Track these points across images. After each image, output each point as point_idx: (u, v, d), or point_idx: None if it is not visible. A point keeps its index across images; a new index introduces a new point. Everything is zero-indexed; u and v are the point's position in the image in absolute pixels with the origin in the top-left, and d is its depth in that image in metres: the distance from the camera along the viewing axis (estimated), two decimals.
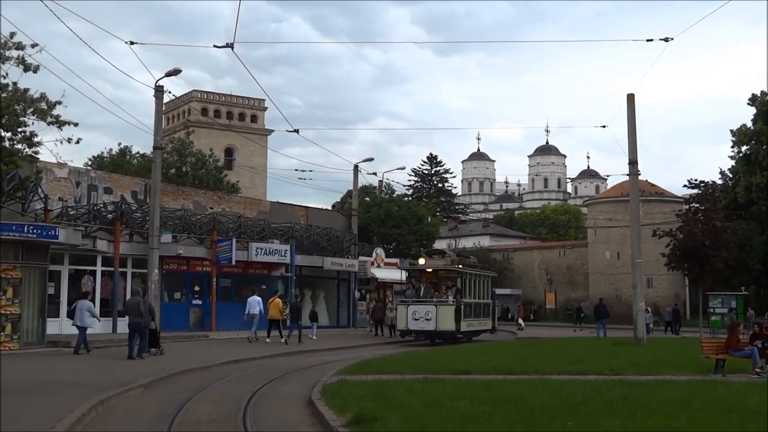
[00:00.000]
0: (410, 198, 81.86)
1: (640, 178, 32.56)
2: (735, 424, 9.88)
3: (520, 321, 47.69)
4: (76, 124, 24.87)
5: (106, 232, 29.42)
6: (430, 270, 31.96)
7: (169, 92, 31.12)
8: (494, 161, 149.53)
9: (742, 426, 9.76)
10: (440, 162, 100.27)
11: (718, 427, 9.72)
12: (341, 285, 41.06)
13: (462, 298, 30.50)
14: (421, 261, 32.86)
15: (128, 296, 27.75)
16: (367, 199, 57.06)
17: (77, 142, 25.04)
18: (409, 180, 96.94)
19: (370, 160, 46.59)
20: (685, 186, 57.81)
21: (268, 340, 27.58)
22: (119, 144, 59.94)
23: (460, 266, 32.10)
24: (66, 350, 22.25)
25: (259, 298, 28.82)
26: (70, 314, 22.34)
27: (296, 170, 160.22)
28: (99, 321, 22.59)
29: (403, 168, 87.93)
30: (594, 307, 41.21)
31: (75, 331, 26.14)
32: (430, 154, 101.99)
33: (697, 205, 39.69)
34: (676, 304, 43.63)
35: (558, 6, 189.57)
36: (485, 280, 35.10)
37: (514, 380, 15.29)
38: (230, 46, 23.32)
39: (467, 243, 76.10)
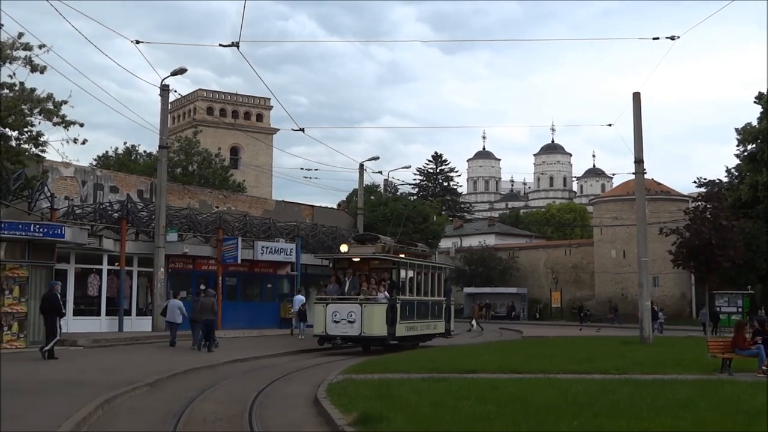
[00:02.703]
0: (416, 197, 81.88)
1: (646, 176, 32.49)
2: (742, 425, 9.84)
3: (473, 322, 46.59)
4: (81, 125, 24.98)
5: (112, 230, 29.50)
6: (357, 260, 25.31)
7: (175, 91, 31.35)
8: (500, 160, 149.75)
9: (749, 427, 9.72)
10: (446, 161, 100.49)
11: (725, 428, 9.68)
12: None
13: (399, 295, 24.64)
14: (344, 248, 25.89)
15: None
16: (373, 198, 57.09)
17: (83, 142, 25.24)
18: (415, 179, 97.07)
19: (376, 158, 46.72)
20: (694, 182, 57.69)
21: None
22: (125, 143, 60.19)
23: (402, 255, 26.10)
24: (73, 348, 22.35)
25: (303, 297, 31.15)
26: (163, 312, 25.15)
27: (302, 169, 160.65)
28: (185, 318, 24.60)
29: (409, 167, 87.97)
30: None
31: (80, 329, 26.43)
32: (436, 152, 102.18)
33: (704, 203, 39.64)
34: (712, 308, 43.30)
35: (565, 5, 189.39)
36: (436, 273, 28.65)
37: (520, 380, 15.27)
38: (236, 45, 23.35)
39: (472, 242, 76.14)
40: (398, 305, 24.29)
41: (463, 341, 31.67)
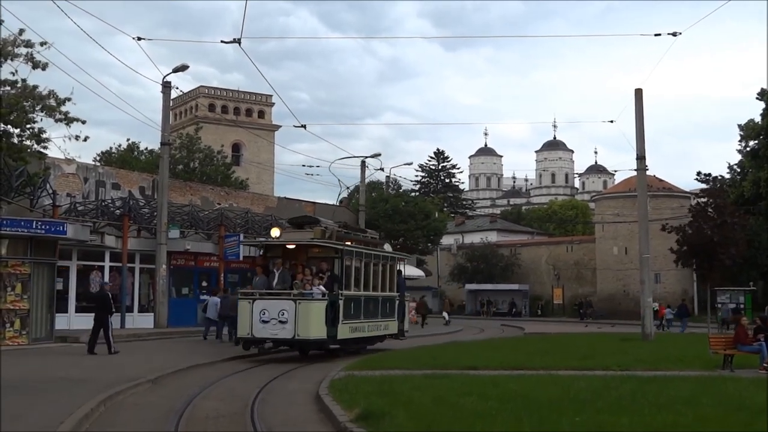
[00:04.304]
0: (417, 193, 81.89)
1: (647, 173, 32.47)
2: (743, 422, 9.84)
3: (445, 315, 46.48)
4: (83, 122, 24.96)
5: (114, 227, 29.52)
6: (292, 247, 21.21)
7: (177, 88, 31.29)
8: (501, 156, 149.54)
9: (750, 424, 9.72)
10: (447, 157, 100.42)
11: (726, 425, 9.67)
12: None
13: (341, 290, 20.47)
14: (275, 232, 21.49)
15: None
16: (374, 195, 57.14)
17: (85, 139, 25.17)
18: (417, 175, 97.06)
19: (378, 155, 46.76)
20: (696, 179, 57.64)
21: None
22: (127, 140, 60.41)
23: (348, 243, 21.66)
24: (75, 345, 22.39)
25: None
26: (205, 309, 26.43)
27: (303, 166, 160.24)
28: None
29: (411, 163, 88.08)
30: (678, 307, 42.07)
31: (81, 326, 26.47)
32: (438, 149, 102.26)
33: (707, 199, 39.56)
34: (737, 304, 43.43)
35: (567, 2, 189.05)
36: (388, 264, 24.17)
37: (522, 376, 15.27)
38: (237, 41, 23.30)
39: (474, 238, 76.15)
40: (341, 302, 20.36)
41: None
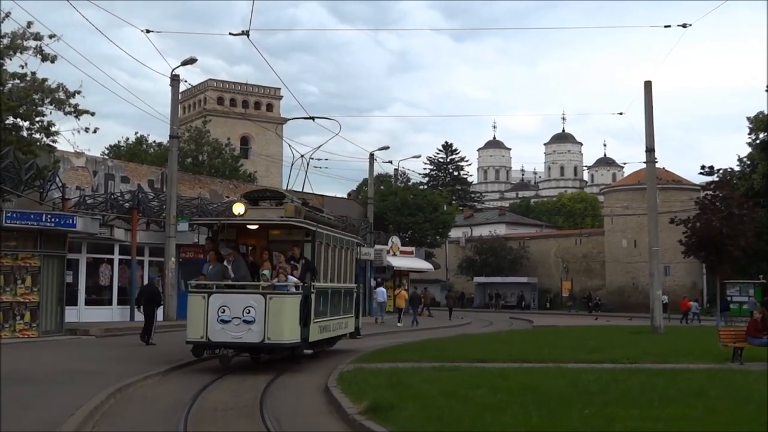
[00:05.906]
0: (426, 186, 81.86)
1: (657, 166, 32.38)
2: (752, 414, 9.83)
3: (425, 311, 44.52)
4: (93, 114, 25.00)
5: (123, 220, 29.60)
6: (255, 227, 17.13)
7: (185, 81, 31.29)
8: (510, 149, 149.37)
9: (760, 416, 9.70)
10: (456, 150, 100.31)
11: (736, 417, 9.67)
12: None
13: (314, 281, 16.50)
14: (238, 209, 16.44)
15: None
16: (383, 187, 57.16)
17: (94, 131, 25.18)
18: (425, 168, 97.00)
19: (386, 148, 46.83)
20: (701, 173, 57.46)
21: (399, 324, 33.29)
22: (136, 133, 60.44)
23: (320, 224, 17.77)
24: (85, 338, 22.48)
25: (384, 289, 35.02)
26: None
27: (312, 159, 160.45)
28: None
29: (419, 156, 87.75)
30: (720, 301, 42.26)
31: (91, 319, 26.60)
32: (446, 142, 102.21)
33: (715, 192, 39.42)
34: (748, 296, 43.25)
35: None
36: (350, 250, 20.51)
37: (531, 369, 15.29)
38: (246, 33, 23.23)
39: (483, 231, 76.12)
40: (312, 296, 16.38)
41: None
